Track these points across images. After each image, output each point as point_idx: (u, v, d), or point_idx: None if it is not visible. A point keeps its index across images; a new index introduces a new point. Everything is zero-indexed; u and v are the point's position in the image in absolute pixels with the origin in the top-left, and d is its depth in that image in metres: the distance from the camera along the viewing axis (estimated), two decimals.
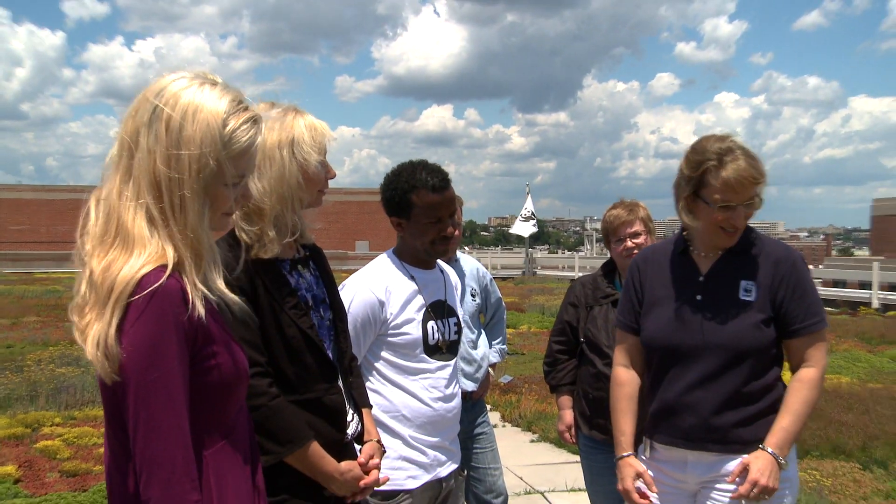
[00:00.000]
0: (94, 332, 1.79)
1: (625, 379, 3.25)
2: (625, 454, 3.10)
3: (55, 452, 7.64)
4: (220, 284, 1.94)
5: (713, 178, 2.93)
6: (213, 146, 1.90)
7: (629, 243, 4.21)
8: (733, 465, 2.98)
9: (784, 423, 2.93)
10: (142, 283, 1.80)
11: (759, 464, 2.85)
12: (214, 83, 1.97)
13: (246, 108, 1.99)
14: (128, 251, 1.84)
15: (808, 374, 2.99)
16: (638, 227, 4.23)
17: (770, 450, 2.88)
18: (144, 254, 1.83)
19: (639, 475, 3.03)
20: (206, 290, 1.90)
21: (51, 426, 8.61)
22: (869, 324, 19.12)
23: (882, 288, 28.56)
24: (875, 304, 26.99)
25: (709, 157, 2.94)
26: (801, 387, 2.98)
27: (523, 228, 40.61)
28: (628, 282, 3.35)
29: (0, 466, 7.16)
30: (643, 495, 3.04)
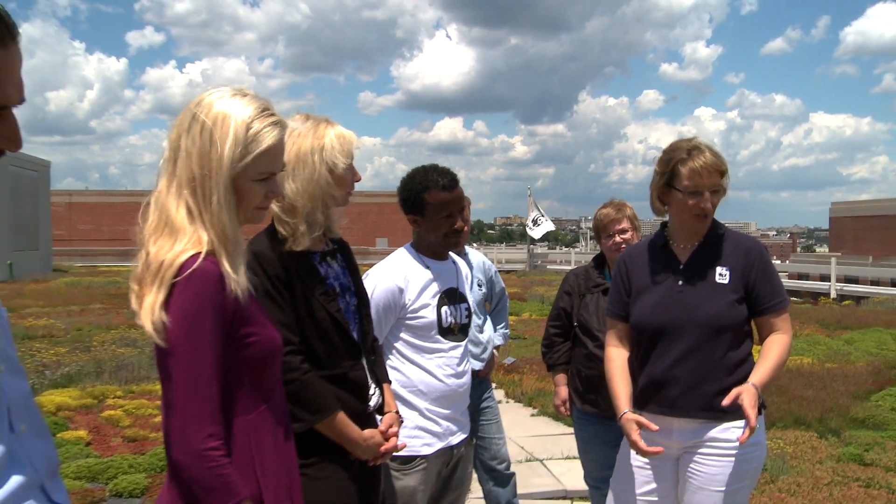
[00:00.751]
0: (147, 303, 1.86)
1: (615, 355, 3.25)
2: (624, 411, 3.07)
3: (118, 421, 7.73)
4: (243, 273, 1.97)
5: (683, 167, 3.03)
6: (238, 147, 1.95)
7: (617, 238, 4.21)
8: (714, 432, 3.00)
9: (766, 366, 2.97)
10: (182, 267, 1.85)
11: (749, 398, 2.82)
12: (245, 94, 2.01)
13: (271, 114, 2.02)
14: (172, 238, 1.90)
15: (779, 336, 3.07)
16: (625, 224, 4.23)
17: (755, 384, 2.88)
18: (184, 240, 1.89)
19: (640, 424, 3.00)
20: (234, 276, 1.92)
21: (113, 398, 8.70)
22: (828, 311, 19.19)
23: (839, 280, 28.97)
24: (833, 294, 27.37)
25: (679, 153, 3.06)
26: (774, 343, 3.05)
27: (544, 227, 40.42)
28: (616, 275, 3.35)
29: (74, 431, 7.30)
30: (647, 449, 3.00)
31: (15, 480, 1.37)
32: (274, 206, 2.60)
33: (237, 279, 1.92)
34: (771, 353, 3.02)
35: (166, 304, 1.84)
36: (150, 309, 1.84)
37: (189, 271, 1.84)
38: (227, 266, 1.91)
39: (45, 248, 36.34)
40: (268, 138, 1.99)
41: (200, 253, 1.87)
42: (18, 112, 1.38)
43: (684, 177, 3.03)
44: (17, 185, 32.17)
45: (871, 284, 29.98)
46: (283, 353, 2.11)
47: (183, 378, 1.83)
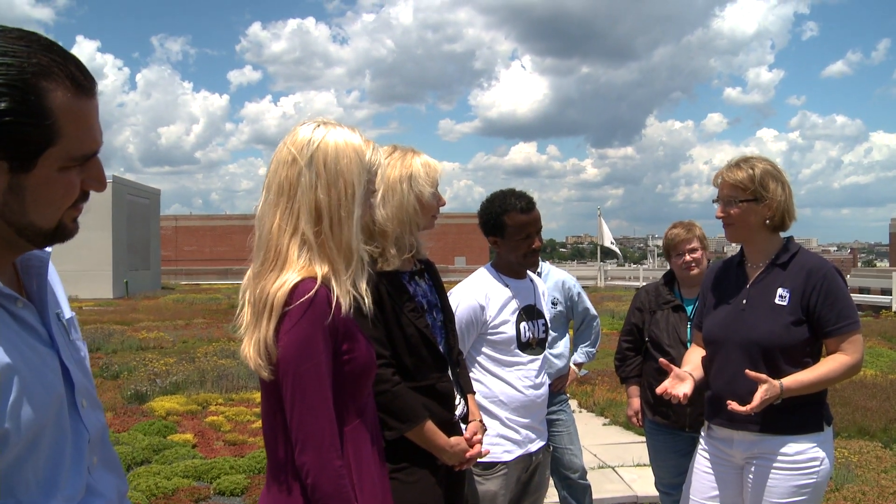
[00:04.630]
0: (254, 340, 1.85)
1: (692, 348, 3.28)
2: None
3: (220, 426, 7.85)
4: (363, 286, 1.95)
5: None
6: (362, 172, 1.96)
7: (688, 257, 4.13)
8: (772, 445, 2.90)
9: (805, 374, 2.86)
10: (294, 292, 1.83)
11: (765, 390, 2.76)
12: (341, 125, 2.01)
13: (368, 139, 2.04)
14: (280, 271, 1.88)
15: (839, 355, 2.91)
16: (695, 243, 4.15)
17: (781, 383, 2.80)
18: (293, 271, 1.87)
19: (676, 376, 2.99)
20: (353, 292, 1.91)
21: (216, 405, 8.84)
22: (890, 324, 18.41)
23: None
24: (894, 307, 26.14)
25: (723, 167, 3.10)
26: (828, 360, 2.92)
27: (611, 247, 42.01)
28: (702, 289, 3.33)
29: (182, 434, 7.46)
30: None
31: None
32: None
33: (350, 293, 1.90)
34: (819, 366, 2.90)
35: (277, 332, 1.83)
36: (259, 342, 1.84)
37: (305, 298, 1.82)
38: (345, 286, 1.89)
39: (155, 267, 37.39)
40: (377, 160, 2.03)
41: (314, 279, 1.85)
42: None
43: None
44: (133, 211, 33.28)
45: None
46: (377, 365, 2.12)
47: (308, 405, 1.82)
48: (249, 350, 1.87)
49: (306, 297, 1.83)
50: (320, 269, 1.89)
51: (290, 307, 1.83)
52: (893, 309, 25.83)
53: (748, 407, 2.76)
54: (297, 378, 1.83)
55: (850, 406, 8.36)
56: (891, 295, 27.33)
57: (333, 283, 1.89)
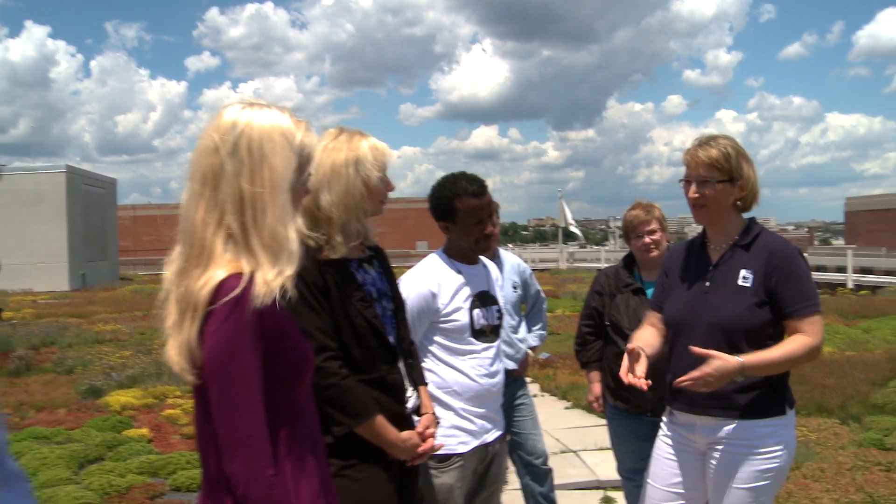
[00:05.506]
0: (177, 343, 1.73)
1: (642, 328, 3.16)
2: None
3: (177, 419, 7.69)
4: (289, 280, 1.79)
5: (685, 155, 2.96)
6: (290, 156, 1.82)
7: (647, 239, 4.04)
8: (733, 429, 2.83)
9: (766, 353, 2.74)
10: (219, 290, 1.71)
11: (716, 364, 2.65)
12: (269, 106, 1.87)
13: (300, 119, 1.89)
14: (204, 267, 1.75)
15: (799, 336, 2.79)
16: (654, 225, 4.06)
17: (740, 359, 2.68)
18: (218, 266, 1.74)
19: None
20: (282, 286, 1.77)
21: (173, 398, 8.66)
22: (845, 301, 18.67)
23: (855, 271, 28.28)
24: (850, 284, 26.72)
25: (690, 146, 2.97)
26: (789, 340, 2.81)
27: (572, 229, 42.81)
28: (661, 269, 3.24)
29: (137, 429, 7.29)
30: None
31: None
32: (300, 220, 2.50)
33: (279, 287, 1.75)
34: (781, 346, 2.79)
35: (202, 334, 1.71)
36: (182, 344, 1.72)
37: (230, 297, 1.69)
38: (270, 281, 1.74)
39: (113, 258, 36.86)
40: (310, 143, 1.90)
41: (240, 276, 1.73)
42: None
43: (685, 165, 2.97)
44: (89, 201, 32.71)
45: (885, 275, 29.43)
46: (314, 363, 1.98)
47: (236, 411, 1.70)
48: (173, 353, 1.74)
49: (232, 294, 1.70)
50: (247, 264, 1.76)
51: (215, 306, 1.70)
52: (848, 286, 26.32)
53: (693, 374, 2.65)
54: (224, 382, 1.70)
55: (808, 384, 8.43)
56: (846, 273, 27.80)
57: (261, 277, 1.75)
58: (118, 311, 18.75)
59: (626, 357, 2.86)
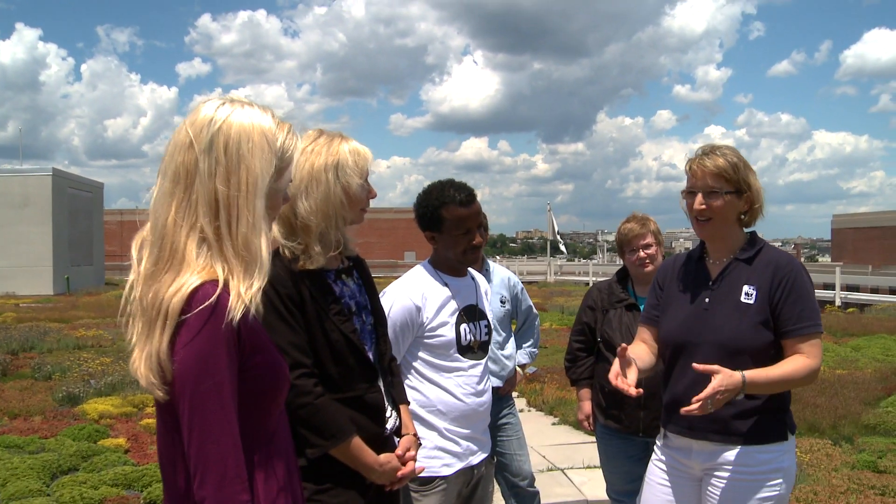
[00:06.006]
0: (145, 354, 1.57)
1: (634, 344, 2.97)
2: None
3: (155, 429, 7.44)
4: (258, 293, 1.65)
5: (687, 166, 2.80)
6: (269, 158, 1.68)
7: (642, 253, 3.89)
8: (732, 455, 2.67)
9: (768, 371, 2.58)
10: (193, 298, 1.56)
11: (722, 379, 2.46)
12: (251, 104, 1.72)
13: (282, 121, 1.75)
14: (176, 273, 1.60)
15: (799, 356, 2.64)
16: (650, 239, 3.91)
17: (744, 376, 2.51)
18: (192, 272, 1.59)
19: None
20: (254, 298, 1.63)
21: (152, 407, 8.36)
22: (834, 319, 18.58)
23: (842, 289, 28.08)
24: (838, 302, 26.50)
25: (695, 154, 2.81)
26: (790, 359, 2.64)
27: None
28: (654, 282, 3.06)
29: (114, 439, 7.08)
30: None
31: None
32: (276, 228, 2.33)
33: (251, 302, 1.62)
34: (780, 365, 2.63)
35: (172, 345, 1.56)
36: (151, 355, 1.57)
37: (204, 305, 1.55)
38: (242, 293, 1.61)
39: (98, 262, 36.62)
40: (292, 146, 1.77)
41: (215, 283, 1.59)
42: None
43: (687, 179, 2.80)
44: (75, 205, 32.51)
45: (871, 292, 29.42)
46: (289, 380, 1.82)
47: (208, 430, 1.55)
48: (140, 365, 1.59)
49: (207, 303, 1.56)
50: (222, 271, 1.61)
51: (188, 315, 1.55)
52: (836, 303, 26.23)
53: (702, 395, 2.46)
54: (196, 399, 1.55)
55: (799, 403, 8.30)
56: (834, 290, 27.75)
57: (234, 286, 1.61)
58: (101, 317, 18.47)
59: (616, 360, 2.68)
